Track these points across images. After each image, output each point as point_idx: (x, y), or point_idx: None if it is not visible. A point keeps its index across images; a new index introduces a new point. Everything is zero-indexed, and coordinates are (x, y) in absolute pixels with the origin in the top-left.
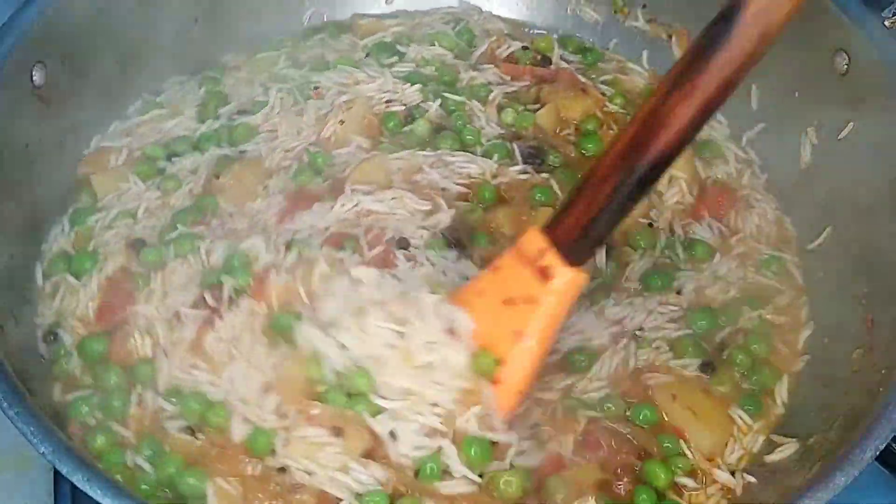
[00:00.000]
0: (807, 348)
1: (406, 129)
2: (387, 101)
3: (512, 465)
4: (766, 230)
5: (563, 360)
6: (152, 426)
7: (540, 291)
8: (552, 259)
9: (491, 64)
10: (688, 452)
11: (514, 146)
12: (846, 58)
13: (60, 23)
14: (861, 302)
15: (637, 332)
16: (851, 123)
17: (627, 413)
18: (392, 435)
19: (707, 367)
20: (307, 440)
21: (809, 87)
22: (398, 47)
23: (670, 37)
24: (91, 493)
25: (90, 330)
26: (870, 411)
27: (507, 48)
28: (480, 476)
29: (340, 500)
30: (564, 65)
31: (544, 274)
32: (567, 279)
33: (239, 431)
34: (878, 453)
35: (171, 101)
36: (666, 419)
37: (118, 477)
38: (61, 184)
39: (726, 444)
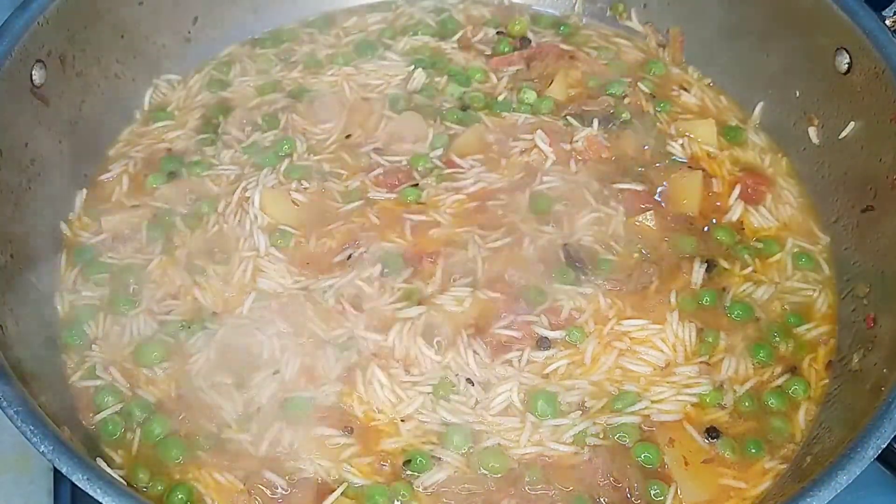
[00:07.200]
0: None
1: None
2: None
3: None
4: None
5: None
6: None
7: None
8: None
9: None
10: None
11: (584, 117)
12: (847, 57)
13: (60, 23)
14: (862, 302)
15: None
16: (853, 122)
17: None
18: None
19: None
20: (322, 440)
21: (811, 85)
22: (384, 40)
23: (663, 47)
24: (91, 493)
25: None
26: (871, 410)
27: (483, 35)
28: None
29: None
30: (544, 39)
31: None
32: None
33: None
34: (879, 452)
35: (174, 108)
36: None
37: (119, 475)
38: (62, 186)
39: None
